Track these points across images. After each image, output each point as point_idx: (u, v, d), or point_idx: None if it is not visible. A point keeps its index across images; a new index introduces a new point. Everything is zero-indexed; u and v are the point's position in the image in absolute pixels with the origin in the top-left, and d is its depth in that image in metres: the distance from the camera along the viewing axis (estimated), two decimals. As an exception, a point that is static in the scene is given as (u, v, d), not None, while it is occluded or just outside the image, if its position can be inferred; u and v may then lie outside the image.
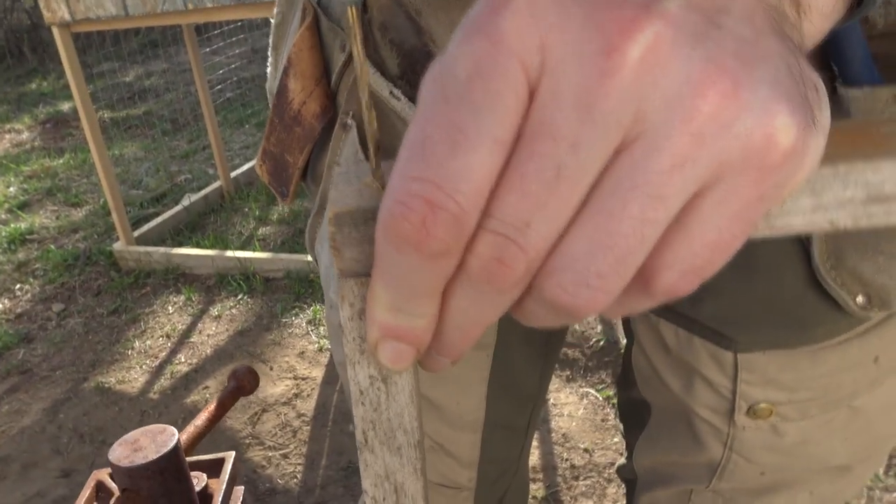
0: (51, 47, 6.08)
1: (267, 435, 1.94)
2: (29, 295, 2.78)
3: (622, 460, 0.85)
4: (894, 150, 0.24)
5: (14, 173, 4.05)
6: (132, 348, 2.37)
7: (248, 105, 4.63)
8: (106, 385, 2.19)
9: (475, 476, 0.73)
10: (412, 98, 0.51)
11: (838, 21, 0.28)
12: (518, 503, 0.87)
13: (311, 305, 2.46)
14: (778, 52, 0.22)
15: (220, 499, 0.49)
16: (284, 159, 0.62)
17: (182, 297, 2.61)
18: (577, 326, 2.19)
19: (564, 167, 0.21)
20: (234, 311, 2.50)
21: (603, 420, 1.88)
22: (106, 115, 4.75)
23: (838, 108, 0.43)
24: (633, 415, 0.75)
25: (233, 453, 0.53)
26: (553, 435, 1.85)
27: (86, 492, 0.48)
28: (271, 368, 2.19)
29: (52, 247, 3.10)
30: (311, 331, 2.34)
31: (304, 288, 2.54)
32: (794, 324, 0.53)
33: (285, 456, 1.87)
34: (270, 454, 1.88)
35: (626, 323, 0.71)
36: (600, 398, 1.94)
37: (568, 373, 2.04)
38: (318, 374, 2.15)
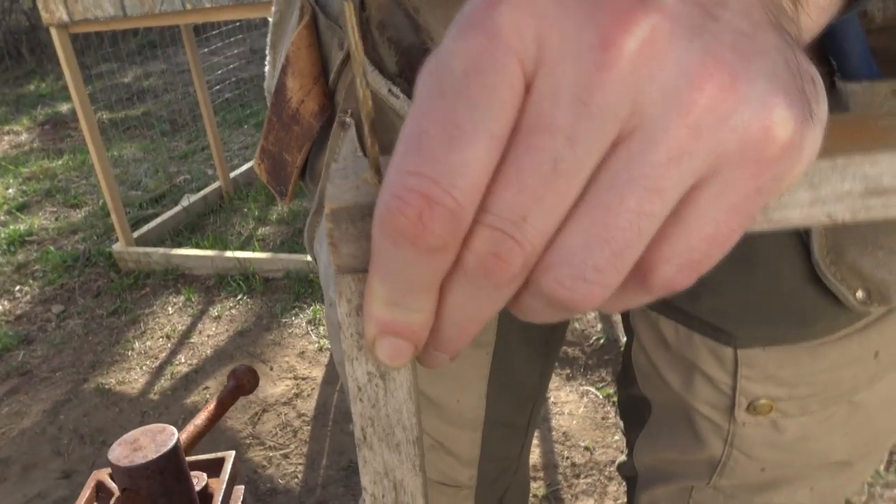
0: (49, 48, 6.07)
1: (267, 435, 1.94)
2: (28, 296, 2.78)
3: (622, 458, 0.85)
4: (892, 143, 0.24)
5: (13, 175, 4.05)
6: (132, 349, 2.37)
7: (247, 105, 4.62)
8: (106, 386, 2.19)
9: (475, 474, 0.73)
10: (411, 96, 0.51)
11: (836, 15, 0.28)
12: (519, 501, 0.87)
13: (311, 305, 2.46)
14: (775, 46, 0.22)
15: (220, 498, 0.49)
16: (283, 158, 0.62)
17: (182, 298, 2.61)
18: (577, 325, 2.19)
19: (561, 161, 0.21)
20: (233, 311, 2.50)
21: (603, 418, 1.88)
22: (105, 116, 4.74)
23: (837, 103, 0.43)
24: (634, 412, 0.75)
25: (233, 453, 0.53)
26: (554, 433, 1.85)
27: (86, 492, 0.48)
28: (271, 368, 2.18)
29: (52, 248, 3.10)
30: (311, 331, 2.34)
31: (304, 288, 2.54)
32: (793, 319, 0.53)
33: (286, 456, 1.87)
34: (271, 454, 1.88)
35: (626, 320, 0.71)
36: (601, 396, 1.94)
37: (568, 371, 2.04)
38: (318, 373, 2.15)
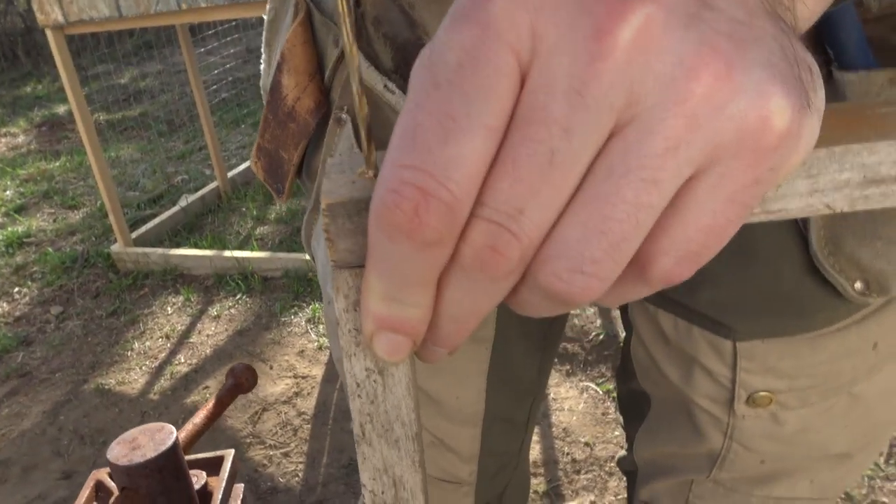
0: (45, 50, 6.06)
1: (267, 434, 1.94)
2: (27, 298, 2.78)
3: (622, 452, 0.85)
4: (890, 131, 0.24)
5: (10, 177, 4.04)
6: (131, 349, 2.37)
7: (244, 105, 4.62)
8: (106, 386, 2.19)
9: (475, 470, 0.73)
10: (406, 91, 0.51)
11: (832, 3, 0.28)
12: (519, 497, 0.87)
13: (310, 304, 2.45)
14: (772, 34, 0.22)
15: (219, 496, 0.49)
16: (279, 156, 0.62)
17: (181, 298, 2.61)
18: (576, 321, 2.19)
19: (557, 152, 0.20)
20: (232, 310, 2.50)
21: (603, 414, 1.88)
22: (102, 118, 4.74)
23: (834, 93, 0.43)
24: (633, 406, 0.75)
25: (232, 451, 0.52)
26: (554, 429, 1.85)
27: (85, 491, 0.48)
28: (271, 367, 2.18)
29: (50, 249, 3.09)
30: (311, 329, 2.34)
31: (303, 286, 2.54)
32: (792, 311, 0.53)
33: (286, 454, 1.87)
34: (271, 453, 1.88)
35: (625, 314, 0.71)
36: (600, 392, 1.95)
37: (568, 367, 2.05)
38: (317, 372, 2.14)
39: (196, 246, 2.89)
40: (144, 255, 2.78)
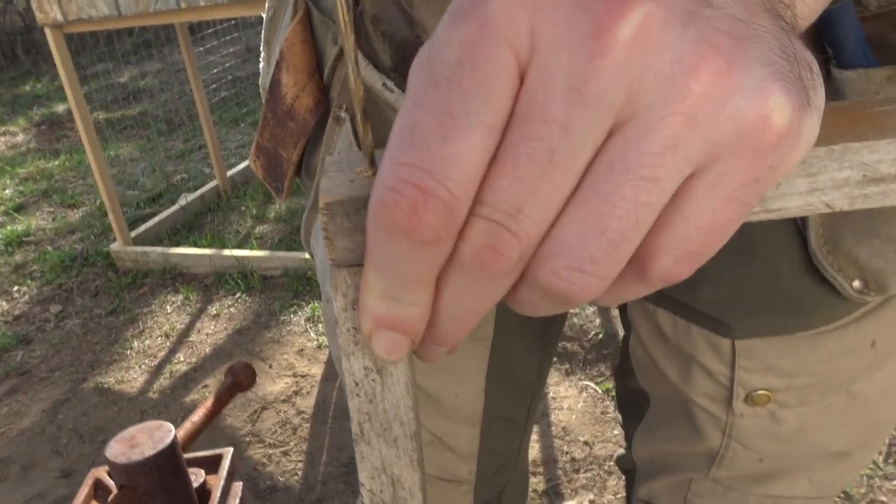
0: (44, 49, 6.06)
1: (267, 432, 1.94)
2: (26, 297, 2.78)
3: (621, 451, 0.85)
4: (890, 129, 0.24)
5: (10, 175, 4.04)
6: (131, 348, 2.37)
7: (244, 104, 4.62)
8: (105, 385, 2.19)
9: (474, 469, 0.73)
10: (405, 90, 0.51)
11: (832, 2, 0.28)
12: (518, 496, 0.87)
13: (310, 303, 2.45)
14: (771, 32, 0.22)
15: (218, 494, 0.49)
16: (278, 154, 0.62)
17: (180, 297, 2.61)
18: (575, 320, 2.20)
19: (556, 150, 0.20)
20: (232, 309, 2.50)
21: (603, 413, 1.88)
22: (101, 116, 4.73)
23: (833, 91, 0.43)
24: (632, 405, 0.75)
25: (231, 449, 0.52)
26: (553, 428, 1.85)
27: (84, 490, 0.48)
28: (270, 366, 2.18)
29: (49, 248, 3.09)
30: (310, 328, 2.34)
31: (302, 285, 2.54)
32: (791, 309, 0.53)
33: (285, 453, 1.87)
34: (271, 452, 1.88)
35: (624, 313, 0.71)
36: (600, 391, 1.95)
37: (567, 366, 2.05)
38: (317, 371, 2.14)
39: (195, 245, 2.89)
40: (144, 254, 2.78)
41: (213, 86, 4.48)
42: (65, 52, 2.36)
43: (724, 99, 0.20)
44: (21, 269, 3.00)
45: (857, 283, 0.49)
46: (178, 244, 2.93)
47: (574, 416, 1.88)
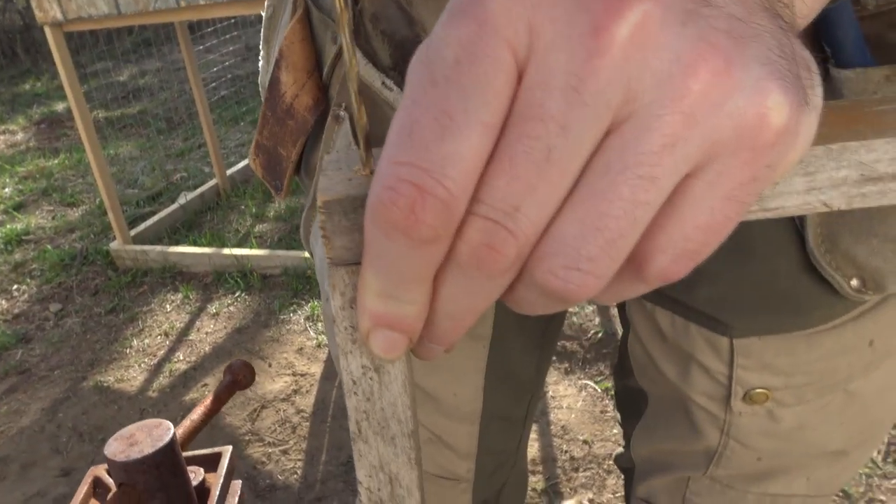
0: (44, 47, 6.06)
1: (266, 431, 1.94)
2: (26, 295, 2.78)
3: (620, 449, 0.85)
4: (888, 128, 0.24)
5: (9, 174, 4.04)
6: (130, 347, 2.37)
7: (243, 102, 4.61)
8: (104, 384, 2.19)
9: (473, 467, 0.73)
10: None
11: (830, 1, 0.28)
12: (517, 495, 0.87)
13: (309, 302, 2.45)
14: (770, 31, 0.22)
15: (217, 493, 0.49)
16: (278, 153, 0.62)
17: (179, 296, 2.61)
18: (574, 319, 2.20)
19: (554, 149, 0.20)
20: (231, 308, 2.50)
21: (602, 412, 1.88)
22: (100, 115, 4.73)
23: (831, 90, 0.43)
24: (630, 404, 0.75)
25: (230, 447, 0.52)
26: (552, 427, 1.85)
27: (83, 488, 0.48)
28: (270, 365, 2.18)
29: (49, 247, 3.09)
30: (310, 327, 2.34)
31: (302, 284, 2.54)
32: (789, 308, 0.53)
33: (285, 452, 1.87)
34: (270, 450, 1.88)
35: (622, 312, 0.71)
36: (599, 390, 1.95)
37: (566, 365, 2.05)
38: (316, 370, 2.15)
39: (195, 243, 2.89)
40: (143, 253, 2.78)
41: (213, 84, 4.48)
42: (64, 50, 2.36)
43: (723, 98, 0.20)
44: (21, 267, 2.99)
45: (854, 282, 0.50)
46: (177, 243, 2.93)
47: (573, 415, 1.88)
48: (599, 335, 2.12)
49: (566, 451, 1.78)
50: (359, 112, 0.25)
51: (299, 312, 2.41)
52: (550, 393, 1.96)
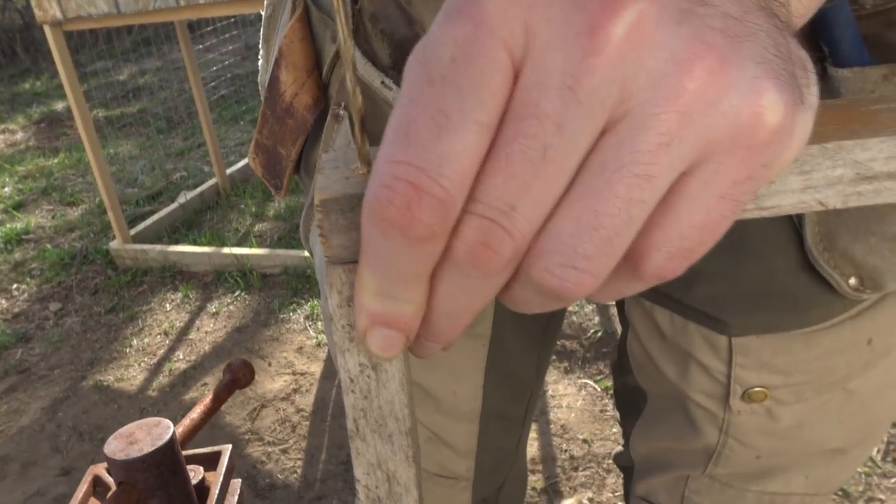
0: (44, 46, 6.06)
1: (266, 430, 1.94)
2: (26, 294, 2.78)
3: (619, 448, 0.85)
4: (883, 127, 0.24)
5: (9, 173, 4.04)
6: (130, 346, 2.37)
7: (243, 101, 4.61)
8: (104, 383, 2.19)
9: (473, 466, 0.73)
10: None
11: (826, 0, 0.28)
12: (516, 493, 0.87)
13: (309, 301, 2.46)
14: (765, 30, 0.22)
15: (217, 491, 0.49)
16: (277, 152, 0.62)
17: (179, 295, 2.61)
18: (574, 318, 2.20)
19: (550, 148, 0.20)
20: (231, 307, 2.50)
21: (602, 411, 1.88)
22: (100, 114, 4.73)
23: (829, 89, 0.43)
24: (630, 402, 0.75)
25: (229, 446, 0.52)
26: (552, 426, 1.85)
27: (83, 486, 0.48)
28: (269, 364, 2.19)
29: (49, 246, 3.09)
30: (309, 326, 2.34)
31: (302, 283, 2.54)
32: (787, 307, 0.53)
33: (285, 451, 1.87)
34: (270, 449, 1.88)
35: (621, 310, 0.71)
36: (598, 389, 1.95)
37: (566, 364, 2.05)
38: (316, 369, 2.15)
39: (195, 243, 2.89)
40: (143, 252, 2.78)
41: (213, 83, 4.48)
42: (64, 49, 2.36)
43: (718, 96, 0.20)
44: (20, 266, 3.00)
45: (852, 281, 0.50)
46: (177, 242, 2.93)
47: (573, 414, 1.88)
48: (599, 334, 2.13)
49: (566, 450, 1.78)
50: (356, 108, 0.25)
51: (299, 311, 2.41)
52: (550, 392, 1.96)
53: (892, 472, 1.61)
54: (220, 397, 0.53)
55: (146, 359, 2.29)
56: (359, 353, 0.26)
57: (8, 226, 3.33)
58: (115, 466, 0.44)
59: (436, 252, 0.22)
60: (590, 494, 1.66)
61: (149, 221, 3.00)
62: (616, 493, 1.65)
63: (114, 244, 2.84)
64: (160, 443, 0.44)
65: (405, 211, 0.21)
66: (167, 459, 0.45)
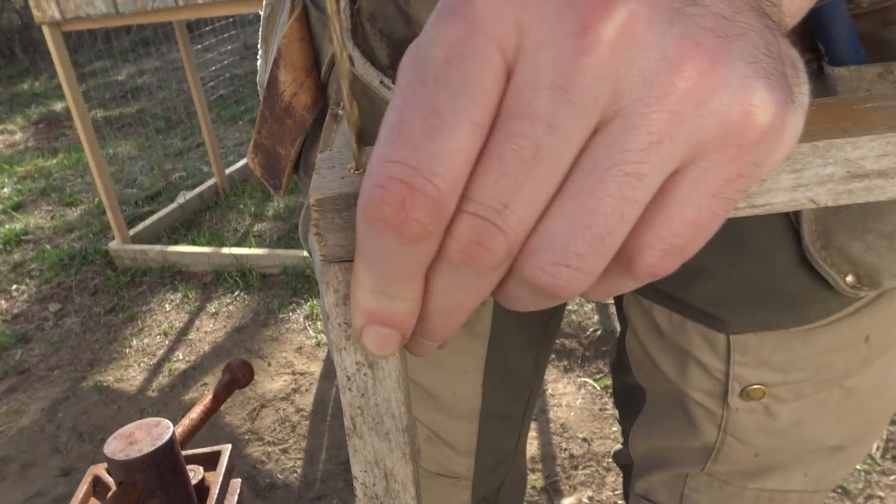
0: (42, 47, 6.06)
1: (266, 430, 1.94)
2: (25, 295, 2.78)
3: (618, 446, 0.85)
4: (874, 125, 0.24)
5: (8, 174, 4.04)
6: (130, 347, 2.37)
7: (242, 101, 4.61)
8: (104, 384, 2.19)
9: (472, 465, 0.74)
10: None
11: (819, 0, 0.28)
12: (516, 492, 0.87)
13: (308, 301, 2.46)
14: (756, 30, 0.22)
15: (216, 491, 0.49)
16: (276, 152, 0.62)
17: (179, 295, 2.61)
18: (573, 317, 2.20)
19: (542, 147, 0.21)
20: (230, 307, 2.50)
21: (601, 409, 1.89)
22: (99, 115, 4.73)
23: (825, 87, 0.43)
24: (629, 400, 0.75)
25: (229, 446, 0.53)
26: (552, 425, 1.86)
27: (83, 487, 0.48)
28: (269, 364, 2.19)
29: (48, 247, 3.09)
30: (309, 326, 2.34)
31: (301, 283, 2.54)
32: (785, 304, 0.53)
33: (285, 451, 1.87)
34: (270, 449, 1.88)
35: (620, 309, 0.71)
36: (598, 388, 1.95)
37: (566, 363, 2.05)
38: (315, 368, 2.15)
39: (194, 243, 2.90)
40: (142, 253, 2.78)
41: (212, 83, 4.48)
42: (63, 50, 2.36)
43: (708, 96, 0.21)
44: (20, 267, 3.00)
45: (850, 278, 0.50)
46: (176, 242, 2.94)
47: (572, 413, 1.88)
48: (598, 333, 2.13)
49: (565, 449, 1.78)
50: (351, 108, 0.25)
51: (298, 311, 2.42)
52: (549, 391, 1.96)
53: (891, 470, 1.61)
54: (220, 397, 0.53)
55: (146, 359, 2.29)
56: (355, 351, 0.26)
57: (7, 226, 3.33)
58: (114, 467, 0.44)
59: (430, 251, 0.22)
60: (589, 493, 1.66)
61: (148, 222, 3.00)
62: (616, 492, 1.65)
63: (113, 244, 2.84)
64: (160, 443, 0.45)
65: (399, 210, 0.21)
66: (167, 459, 0.45)
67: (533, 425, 1.84)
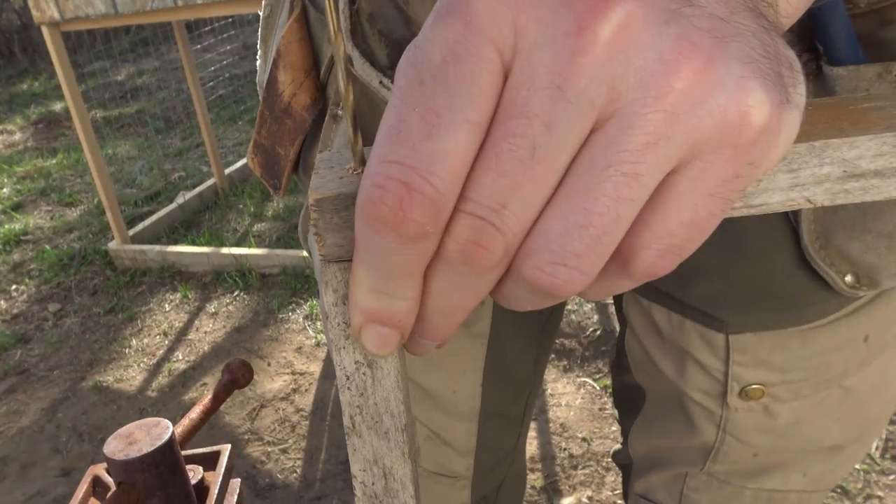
0: (41, 47, 6.06)
1: (266, 430, 1.94)
2: (25, 295, 2.78)
3: (618, 446, 0.85)
4: (870, 125, 0.24)
5: (7, 174, 4.04)
6: (129, 347, 2.37)
7: (241, 101, 4.61)
8: (104, 384, 2.19)
9: (472, 464, 0.74)
10: None
11: (816, 0, 0.28)
12: (516, 492, 0.87)
13: (308, 301, 2.46)
14: (752, 30, 0.22)
15: (216, 491, 0.49)
16: (276, 152, 0.62)
17: (178, 295, 2.61)
18: (573, 316, 2.20)
19: (539, 147, 0.21)
20: (230, 307, 2.50)
21: (601, 409, 1.89)
22: (98, 115, 4.73)
23: (824, 87, 0.44)
24: (628, 400, 0.75)
25: (229, 446, 0.53)
26: (551, 425, 1.86)
27: (83, 487, 0.48)
28: (269, 364, 2.19)
29: (48, 247, 3.09)
30: (308, 326, 2.34)
31: (301, 283, 2.54)
32: (784, 304, 0.53)
33: (284, 451, 1.87)
34: (269, 449, 1.88)
35: (620, 309, 0.71)
36: (597, 387, 1.95)
37: (565, 363, 2.05)
38: (315, 368, 2.15)
39: (193, 243, 2.90)
40: (142, 253, 2.78)
41: (211, 83, 4.48)
42: (62, 50, 2.36)
43: (705, 96, 0.21)
44: (19, 267, 3.00)
45: (849, 278, 0.50)
46: (176, 242, 2.94)
47: (572, 413, 1.88)
48: (598, 333, 2.13)
49: (565, 449, 1.78)
50: (349, 109, 0.25)
51: (298, 311, 2.42)
52: (549, 391, 1.96)
53: (890, 469, 1.61)
54: (219, 397, 0.53)
55: (145, 359, 2.29)
56: (354, 351, 0.26)
57: (6, 227, 3.33)
58: (114, 466, 0.44)
59: (428, 250, 0.22)
60: (589, 493, 1.66)
61: (147, 222, 3.00)
62: (615, 492, 1.65)
63: (112, 245, 2.84)
64: (159, 443, 0.45)
65: (397, 210, 0.21)
66: (166, 459, 0.45)
67: (532, 425, 1.84)
